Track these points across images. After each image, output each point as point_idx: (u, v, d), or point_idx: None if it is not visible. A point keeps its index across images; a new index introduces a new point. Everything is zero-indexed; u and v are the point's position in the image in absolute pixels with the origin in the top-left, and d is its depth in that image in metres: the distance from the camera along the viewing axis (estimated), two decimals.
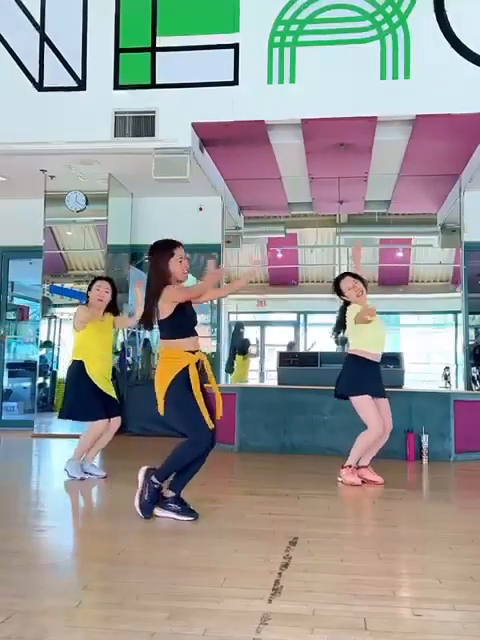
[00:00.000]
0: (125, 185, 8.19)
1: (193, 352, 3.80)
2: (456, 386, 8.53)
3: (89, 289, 5.17)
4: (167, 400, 3.72)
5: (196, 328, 3.95)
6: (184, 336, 3.82)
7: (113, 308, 5.23)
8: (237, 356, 9.53)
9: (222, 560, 3.05)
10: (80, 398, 4.97)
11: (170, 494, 3.83)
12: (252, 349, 10.13)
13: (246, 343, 9.93)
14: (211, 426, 3.69)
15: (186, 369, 3.72)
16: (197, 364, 3.80)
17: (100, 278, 5.30)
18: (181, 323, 3.82)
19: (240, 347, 9.67)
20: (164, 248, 3.85)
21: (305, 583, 2.68)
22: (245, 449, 6.46)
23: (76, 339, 5.13)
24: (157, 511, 3.79)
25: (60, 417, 5.49)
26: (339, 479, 4.95)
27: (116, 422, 5.14)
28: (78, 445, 5.14)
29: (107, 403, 5.04)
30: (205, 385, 3.85)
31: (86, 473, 5.09)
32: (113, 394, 5.11)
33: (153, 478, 3.77)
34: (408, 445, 6.00)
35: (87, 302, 5.18)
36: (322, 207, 9.46)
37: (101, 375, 5.03)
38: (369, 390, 4.96)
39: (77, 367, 5.00)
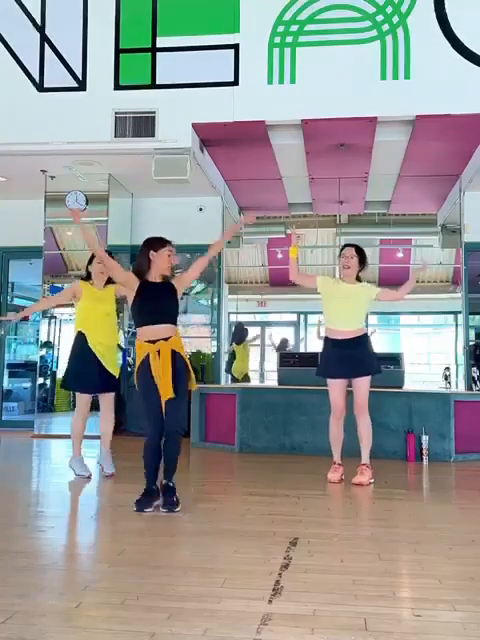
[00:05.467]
0: (125, 185, 8.19)
1: (153, 342, 3.97)
2: (456, 386, 8.52)
3: (89, 263, 5.24)
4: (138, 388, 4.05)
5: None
6: (141, 325, 4.07)
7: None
8: (236, 347, 9.51)
9: (222, 560, 3.05)
10: (78, 368, 5.04)
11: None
12: (248, 338, 10.03)
13: (243, 333, 9.87)
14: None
15: (146, 359, 3.96)
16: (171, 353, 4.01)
17: None
18: (137, 311, 4.10)
19: (237, 337, 9.64)
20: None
21: (305, 584, 2.68)
22: (245, 449, 6.46)
23: (77, 311, 5.22)
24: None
25: (62, 387, 5.72)
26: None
27: (106, 399, 5.16)
28: (72, 438, 5.18)
29: (102, 377, 5.05)
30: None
31: (98, 464, 5.11)
32: (112, 367, 5.11)
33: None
34: (408, 445, 6.01)
35: (88, 277, 5.24)
36: (322, 208, 9.46)
37: (102, 345, 5.07)
38: (324, 372, 5.06)
39: (78, 338, 5.08)
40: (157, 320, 4.05)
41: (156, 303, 4.09)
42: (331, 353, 5.05)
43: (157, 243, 4.12)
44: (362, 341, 5.02)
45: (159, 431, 3.95)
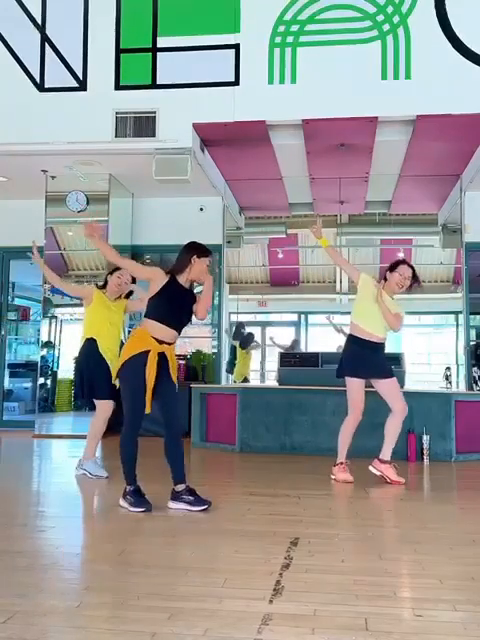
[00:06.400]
0: (126, 185, 8.19)
1: (160, 342, 3.95)
2: (457, 386, 8.51)
3: (111, 273, 5.25)
4: (120, 374, 3.99)
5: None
6: (156, 319, 3.98)
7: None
8: (239, 350, 9.50)
9: (223, 560, 3.05)
10: (96, 377, 5.04)
11: (181, 487, 3.98)
12: (254, 345, 10.02)
13: (249, 338, 9.86)
14: (148, 411, 3.91)
15: (144, 355, 3.89)
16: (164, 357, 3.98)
17: None
18: (159, 304, 4.00)
19: (242, 341, 9.63)
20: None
21: (306, 583, 2.68)
22: (246, 449, 6.46)
23: (86, 317, 5.23)
24: (171, 504, 3.98)
25: (77, 397, 5.63)
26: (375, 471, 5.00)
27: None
28: (88, 439, 5.17)
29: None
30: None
31: (85, 470, 5.10)
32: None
33: (126, 488, 3.98)
34: (409, 445, 6.00)
35: (104, 285, 5.25)
36: (323, 207, 9.45)
37: (111, 352, 5.11)
38: (353, 373, 5.02)
39: (90, 345, 5.09)
40: (173, 324, 4.01)
41: (181, 308, 4.05)
42: (362, 353, 5.03)
43: (203, 251, 4.07)
44: (383, 348, 5.15)
45: (140, 426, 3.99)
